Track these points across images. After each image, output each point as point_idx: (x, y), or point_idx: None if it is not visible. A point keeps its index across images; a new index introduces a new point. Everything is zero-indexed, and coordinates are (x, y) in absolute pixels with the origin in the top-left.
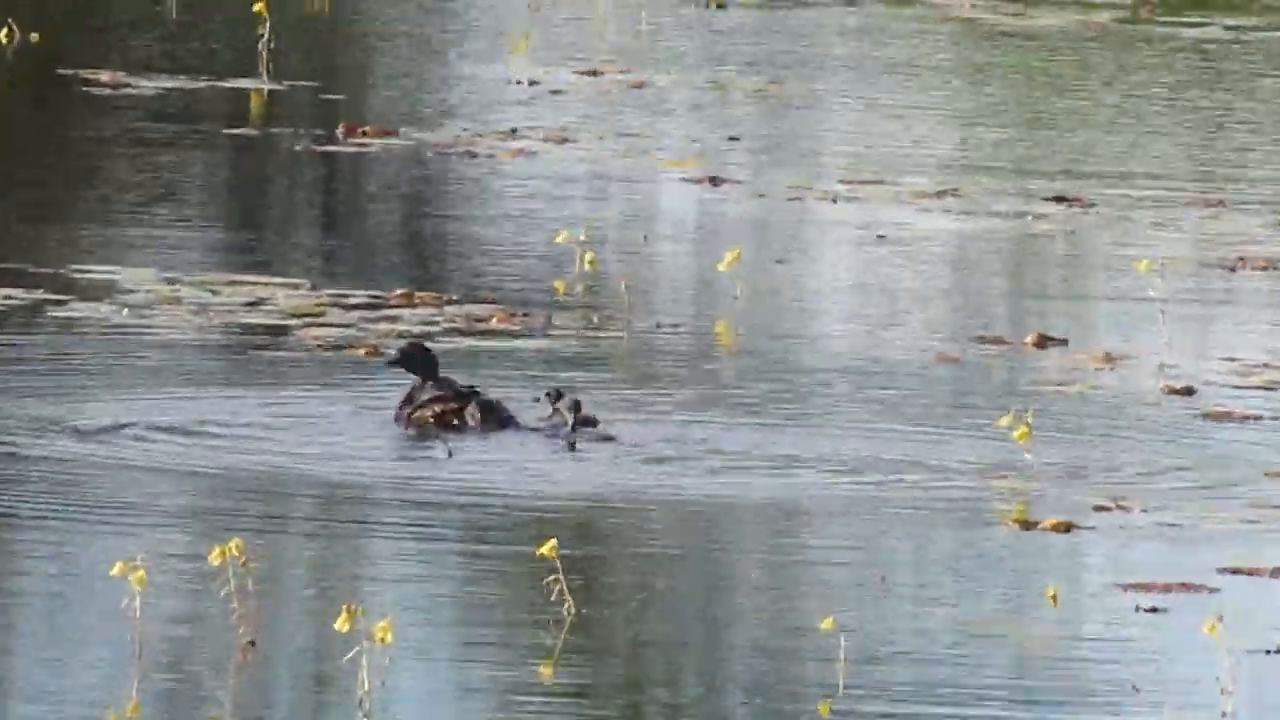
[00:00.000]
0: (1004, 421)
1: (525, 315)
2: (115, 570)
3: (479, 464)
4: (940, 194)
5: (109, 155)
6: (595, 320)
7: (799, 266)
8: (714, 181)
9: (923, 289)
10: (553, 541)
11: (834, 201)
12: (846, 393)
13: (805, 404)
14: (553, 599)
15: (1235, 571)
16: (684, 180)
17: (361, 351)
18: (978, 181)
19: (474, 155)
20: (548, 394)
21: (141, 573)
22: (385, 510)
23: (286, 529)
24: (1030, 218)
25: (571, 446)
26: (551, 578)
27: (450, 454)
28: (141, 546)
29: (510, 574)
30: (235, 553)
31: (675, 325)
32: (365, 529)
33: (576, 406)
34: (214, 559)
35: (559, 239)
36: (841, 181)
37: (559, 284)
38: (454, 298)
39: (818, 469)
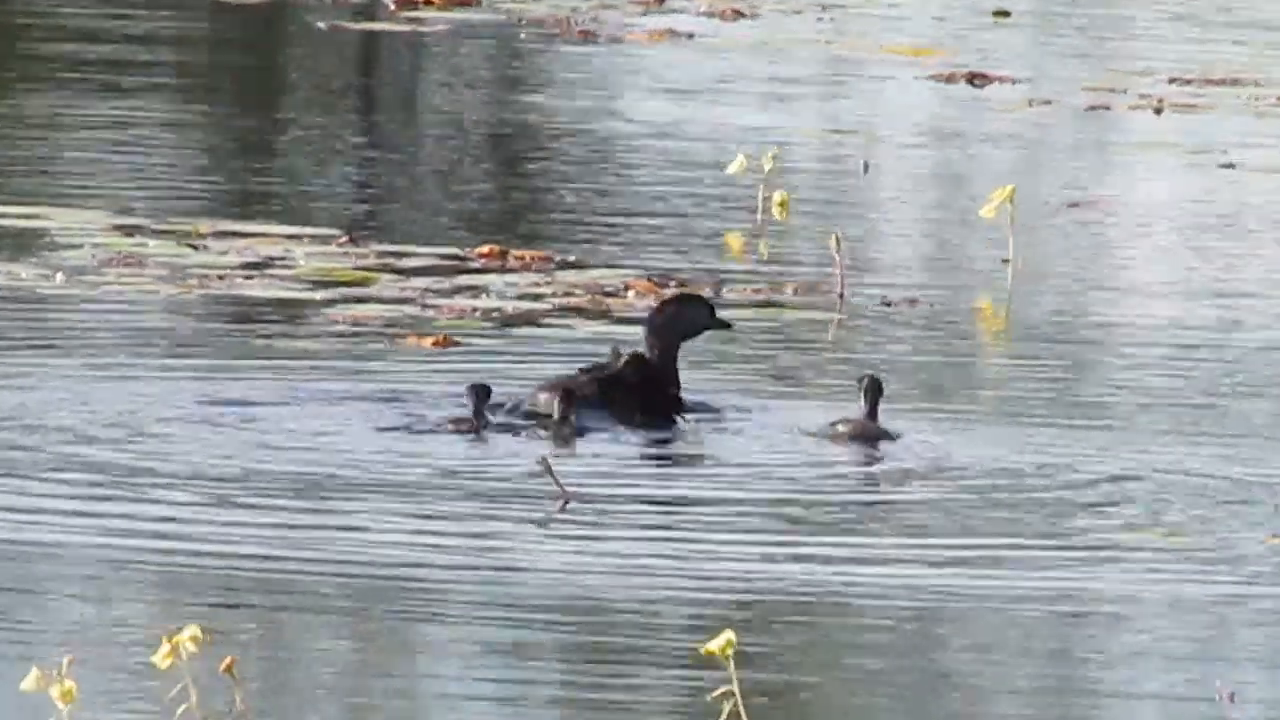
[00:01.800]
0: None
1: (680, 285)
2: (29, 683)
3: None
4: None
5: (39, 28)
6: (792, 292)
7: (1102, 209)
8: (973, 80)
9: None
10: (728, 636)
11: (1158, 111)
12: (1186, 404)
13: (1121, 418)
14: None
15: None
16: (925, 78)
17: (428, 342)
18: None
19: (594, 37)
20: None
21: (69, 686)
22: (444, 595)
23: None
24: None
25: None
26: (720, 692)
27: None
28: (68, 636)
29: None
30: (191, 647)
31: (913, 301)
32: (409, 612)
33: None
34: (162, 660)
35: (731, 169)
36: (1171, 80)
37: (731, 238)
38: (568, 258)
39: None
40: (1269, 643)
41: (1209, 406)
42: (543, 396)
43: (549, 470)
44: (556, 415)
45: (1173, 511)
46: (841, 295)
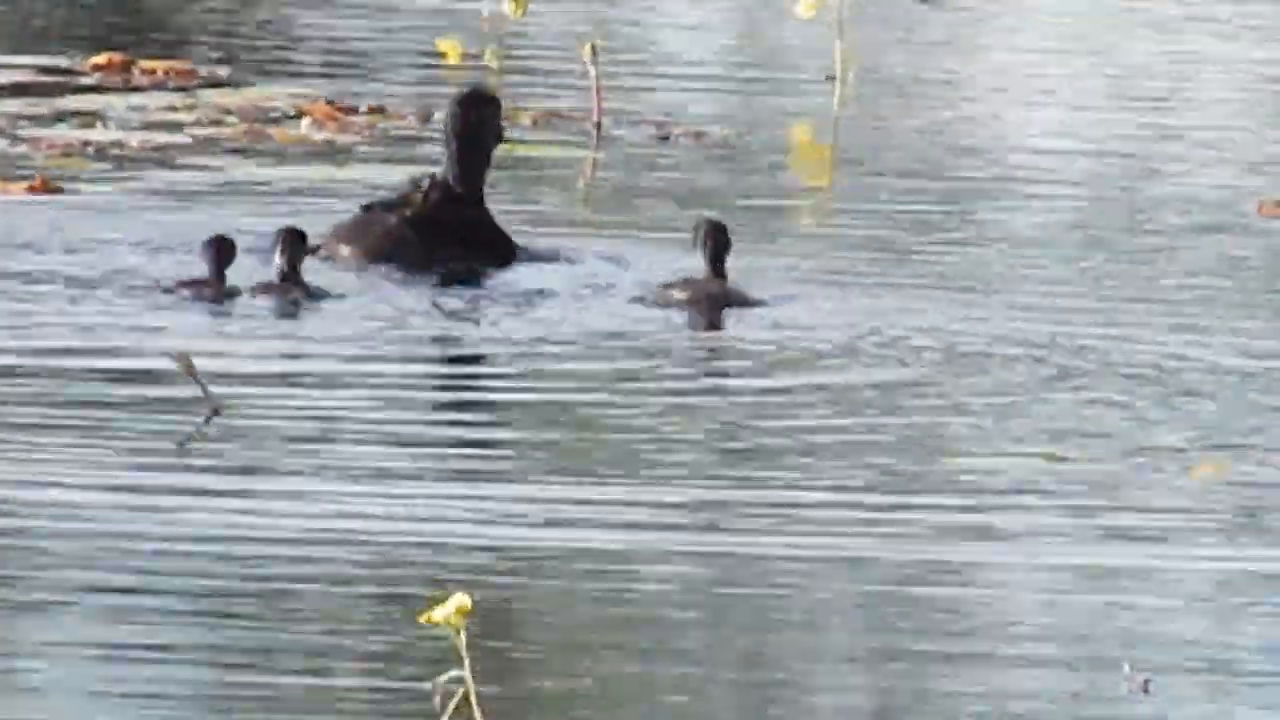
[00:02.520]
0: None
1: (375, 110)
2: None
3: None
4: None
5: None
6: (530, 123)
7: (966, 2)
8: None
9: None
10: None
11: None
12: (1060, 263)
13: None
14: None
15: None
16: None
17: (18, 189)
18: None
19: None
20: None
21: None
22: None
23: None
24: None
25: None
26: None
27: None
28: None
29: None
30: None
31: (697, 134)
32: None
33: None
34: None
35: None
36: None
37: (446, 44)
38: (218, 73)
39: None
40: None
41: (1086, 269)
42: (344, 248)
43: (189, 369)
44: (276, 272)
45: (1045, 419)
46: (598, 125)
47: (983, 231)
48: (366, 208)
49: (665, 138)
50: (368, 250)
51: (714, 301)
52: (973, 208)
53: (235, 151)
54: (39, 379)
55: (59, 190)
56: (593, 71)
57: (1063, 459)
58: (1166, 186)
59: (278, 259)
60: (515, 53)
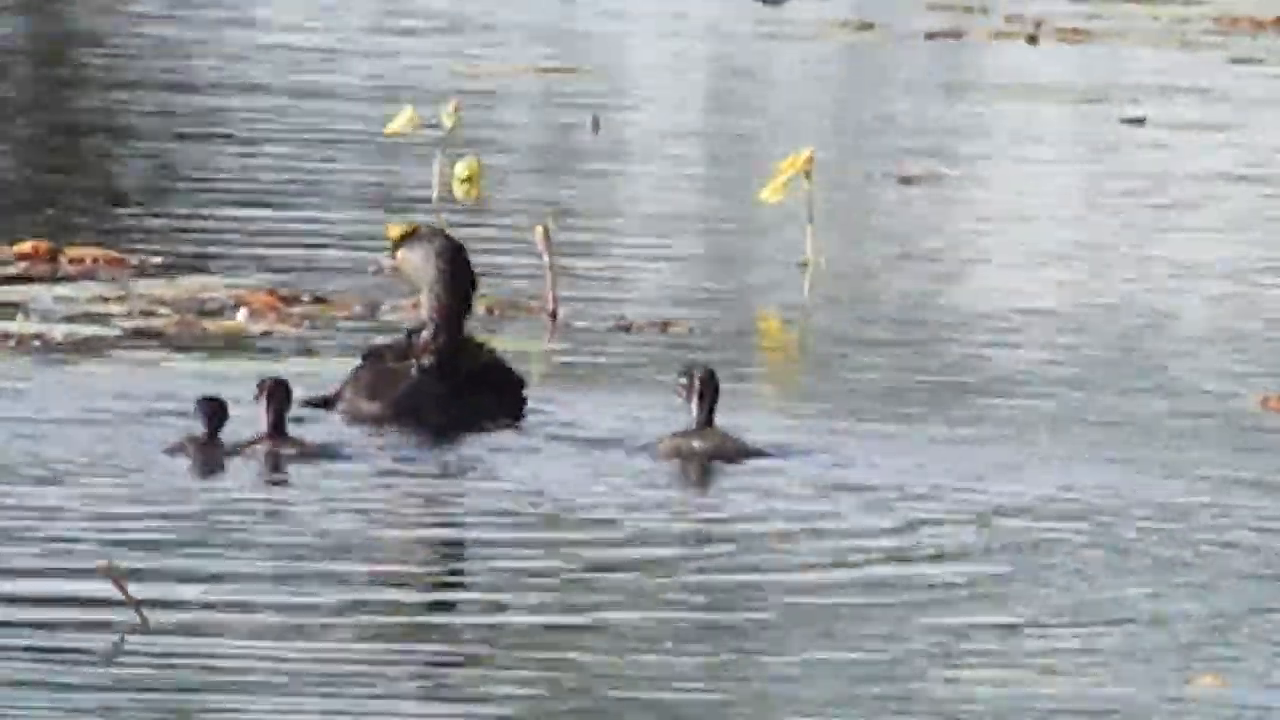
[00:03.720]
0: None
1: (318, 299)
2: None
3: None
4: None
5: None
6: (484, 311)
7: (946, 186)
8: None
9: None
10: None
11: (1033, 40)
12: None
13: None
14: None
15: None
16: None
17: None
18: None
19: None
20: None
21: None
22: None
23: None
24: None
25: None
26: None
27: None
28: None
29: None
30: None
31: (664, 325)
32: None
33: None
34: None
35: (394, 125)
36: None
37: (394, 229)
38: (152, 261)
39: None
40: None
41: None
42: (364, 405)
43: (116, 581)
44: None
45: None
46: (554, 315)
47: (967, 405)
48: (367, 356)
49: (627, 328)
50: (394, 404)
51: (730, 452)
52: (961, 383)
53: (166, 345)
54: None
55: None
56: (546, 257)
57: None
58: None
59: (263, 411)
60: (466, 237)
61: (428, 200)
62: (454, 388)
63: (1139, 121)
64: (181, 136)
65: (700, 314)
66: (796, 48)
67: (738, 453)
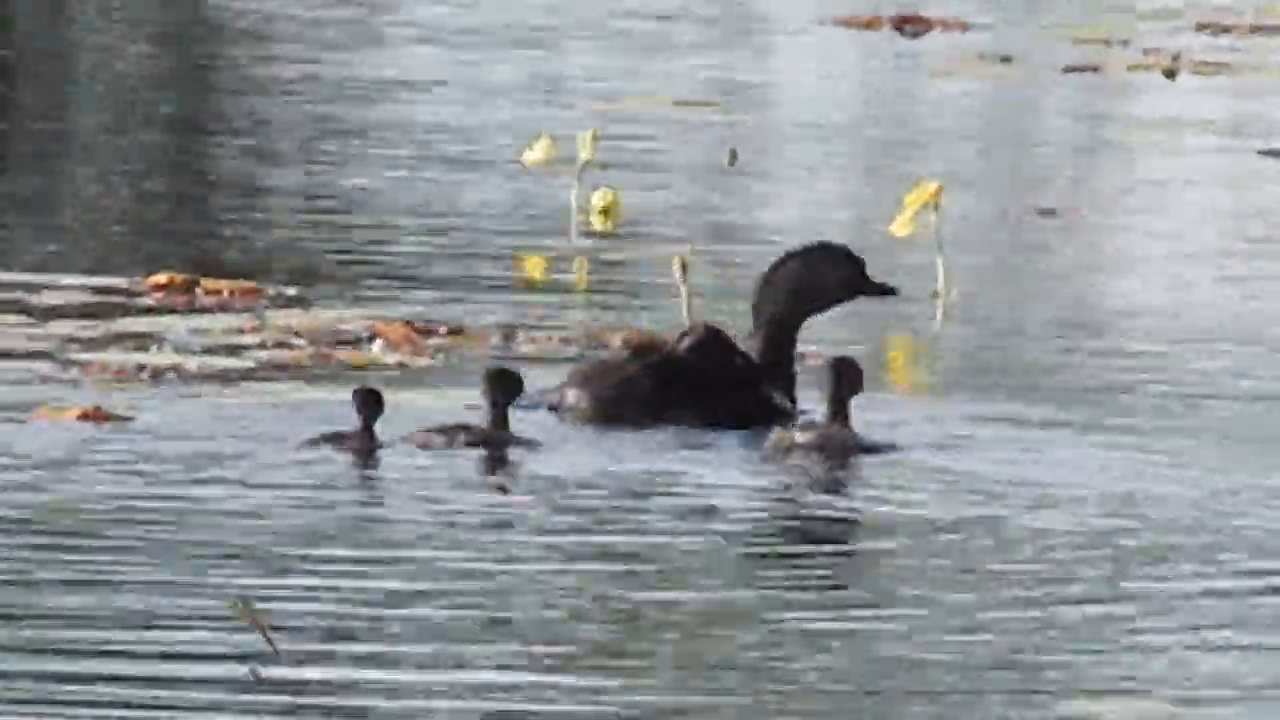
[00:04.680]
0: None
1: (453, 331)
2: None
3: None
4: None
5: None
6: (621, 344)
7: (1086, 219)
8: (903, 26)
9: None
10: None
11: (1171, 74)
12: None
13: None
14: None
15: None
16: (833, 22)
17: (70, 415)
18: None
19: None
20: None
21: None
22: None
23: None
24: None
25: None
26: None
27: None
28: None
29: None
30: None
31: (799, 355)
32: None
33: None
34: None
35: (530, 156)
36: (1199, 26)
37: (530, 261)
38: (287, 292)
39: None
40: None
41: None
42: (572, 392)
43: (249, 614)
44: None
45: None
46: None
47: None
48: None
49: None
50: (598, 399)
51: (836, 448)
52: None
53: (299, 375)
54: None
55: (111, 418)
56: (683, 289)
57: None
58: None
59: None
60: (606, 267)
61: (565, 230)
62: (662, 391)
63: (1277, 154)
64: (321, 167)
65: (835, 343)
66: (935, 81)
67: (843, 447)
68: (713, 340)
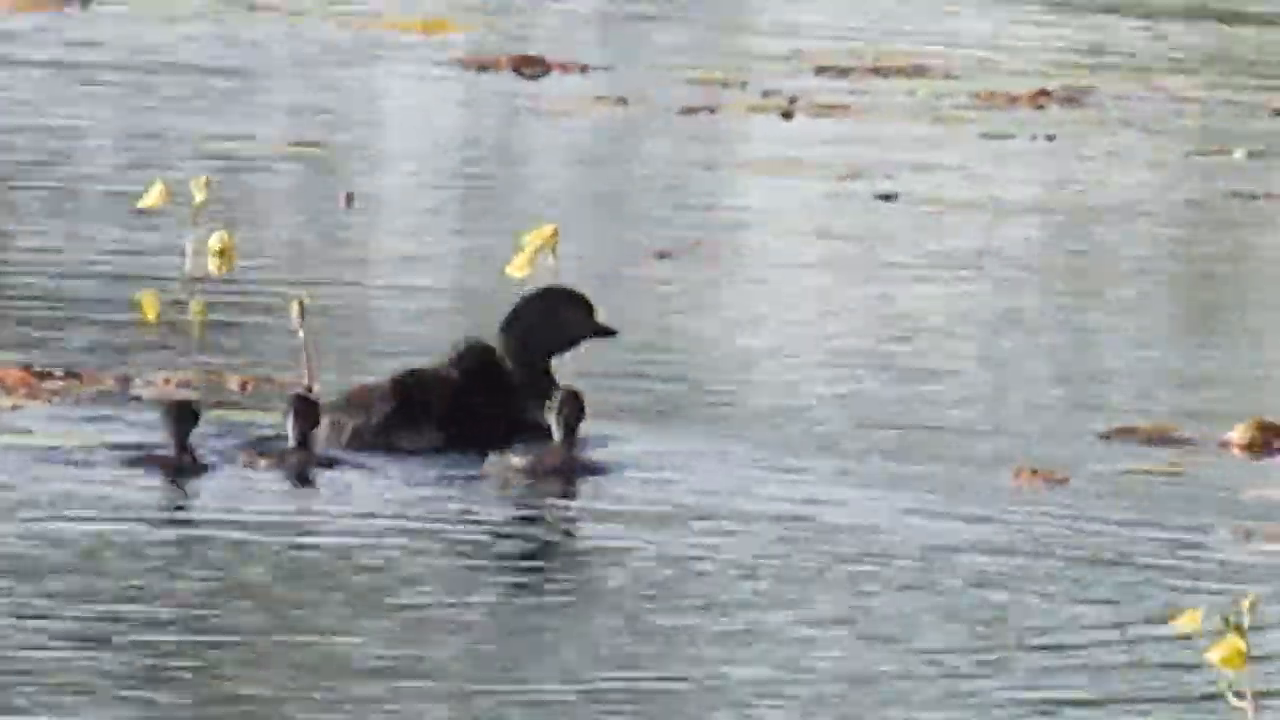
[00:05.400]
0: (1186, 621)
1: (68, 376)
2: None
3: None
4: (1038, 96)
5: None
6: (238, 388)
7: (703, 260)
8: (522, 68)
9: (978, 320)
10: None
11: (788, 115)
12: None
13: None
14: None
15: None
16: (448, 63)
17: None
18: (1130, 73)
19: None
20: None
21: None
22: None
23: None
24: (1241, 152)
25: None
26: None
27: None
28: None
29: None
30: None
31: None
32: None
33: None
34: None
35: (146, 201)
36: (819, 69)
37: (147, 301)
38: None
39: None
40: None
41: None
42: (346, 421)
43: None
44: (290, 439)
45: None
46: (309, 389)
47: None
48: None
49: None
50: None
51: (557, 470)
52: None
53: None
54: None
55: None
56: (300, 333)
57: None
58: None
59: (290, 428)
60: (219, 311)
61: (179, 273)
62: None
63: (891, 197)
64: None
65: None
66: (552, 122)
67: (569, 469)
68: (483, 354)
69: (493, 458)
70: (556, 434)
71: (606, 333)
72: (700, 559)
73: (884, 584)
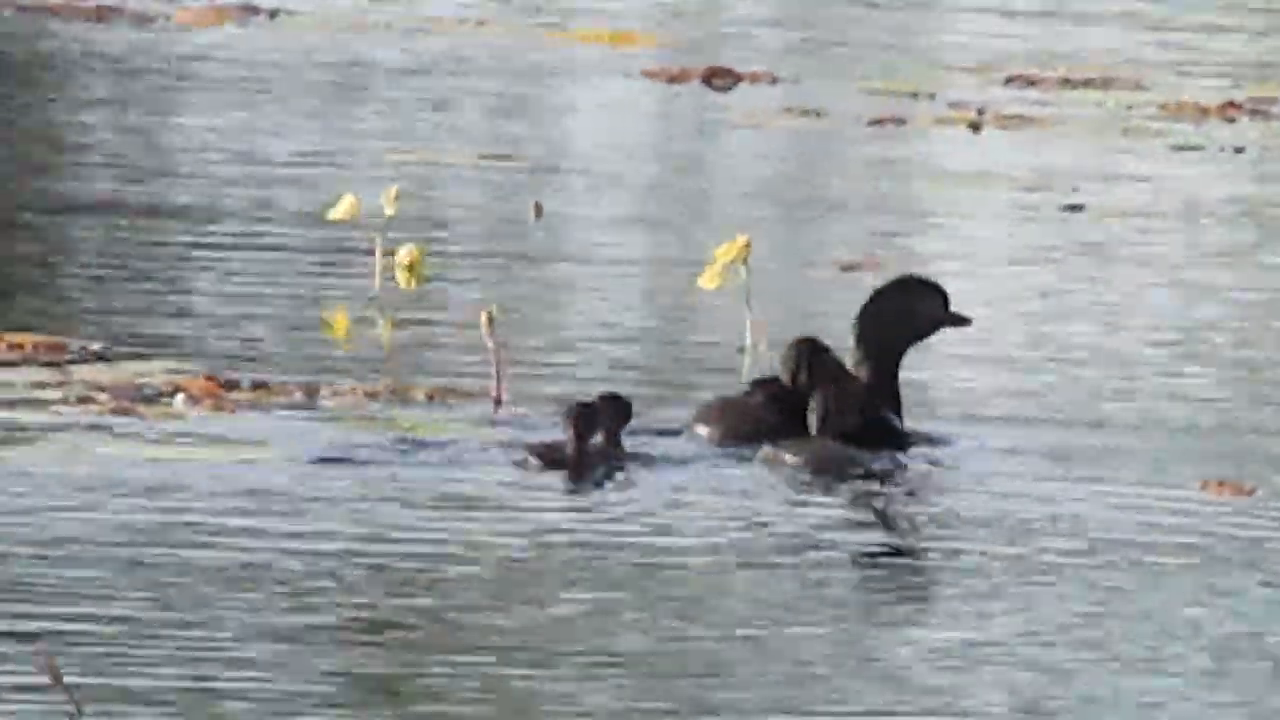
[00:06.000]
0: None
1: (260, 386)
2: None
3: None
4: (1226, 109)
5: None
6: (425, 398)
7: (890, 271)
8: (712, 80)
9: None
10: None
11: (975, 127)
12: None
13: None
14: None
15: None
16: (640, 75)
17: None
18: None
19: (112, 15)
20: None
21: None
22: None
23: None
24: None
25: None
26: None
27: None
28: None
29: None
30: None
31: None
32: None
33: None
34: None
35: (336, 213)
36: (1007, 80)
37: (335, 316)
38: (91, 346)
39: None
40: None
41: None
42: (702, 429)
43: (54, 673)
44: (570, 448)
45: None
46: (499, 401)
47: None
48: (759, 382)
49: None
50: (726, 431)
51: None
52: None
53: (106, 431)
54: None
55: None
56: (490, 344)
57: None
58: None
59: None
60: (410, 325)
61: (369, 285)
62: (790, 422)
63: (1078, 208)
64: (121, 218)
65: (642, 395)
66: (741, 134)
67: (841, 464)
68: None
69: (766, 448)
70: (814, 428)
71: (961, 321)
72: None
73: None
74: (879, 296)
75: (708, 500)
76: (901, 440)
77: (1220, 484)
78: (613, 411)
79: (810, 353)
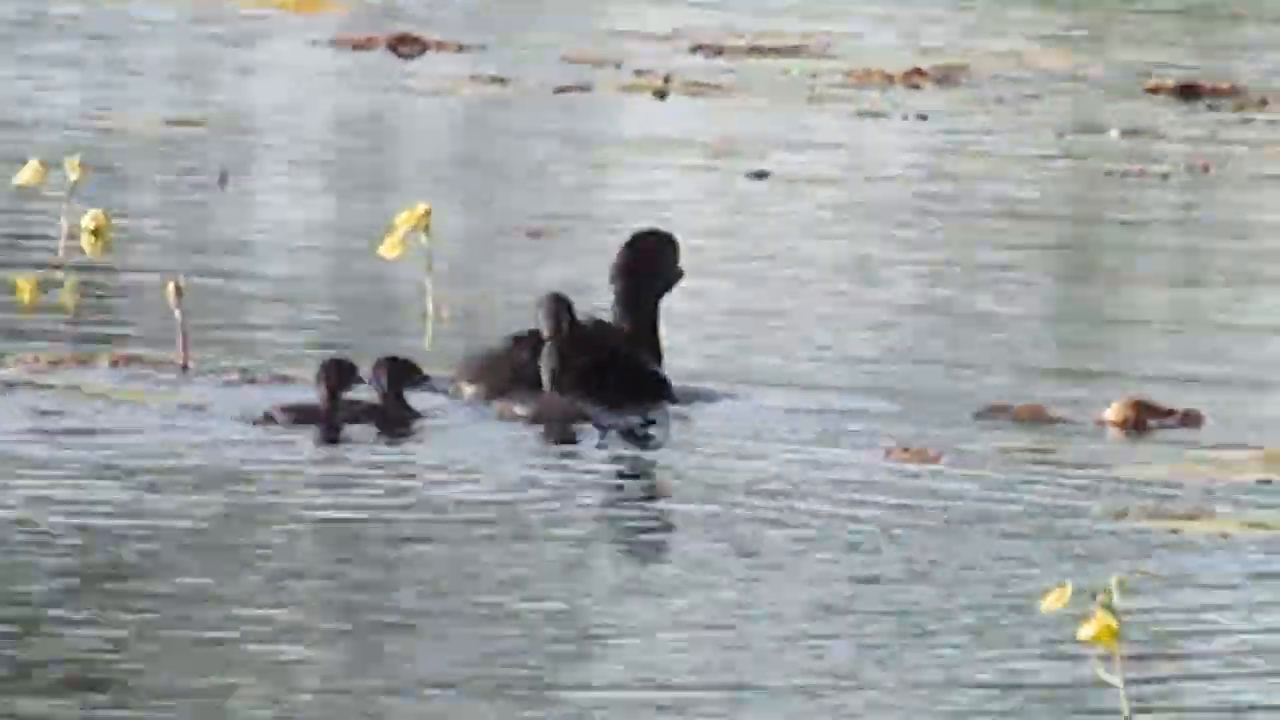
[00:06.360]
0: (1054, 599)
1: None
2: None
3: None
4: (912, 76)
5: None
6: (109, 364)
7: (573, 237)
8: (398, 47)
9: (852, 302)
10: None
11: (661, 95)
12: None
13: None
14: None
15: None
16: (325, 43)
17: None
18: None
19: None
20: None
21: None
22: None
23: None
24: (1115, 132)
25: None
26: None
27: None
28: None
29: None
30: None
31: (285, 378)
32: None
33: None
34: None
35: (21, 179)
36: (695, 48)
37: (21, 282)
38: None
39: None
40: None
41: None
42: (467, 387)
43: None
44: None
45: None
46: (185, 367)
47: None
48: (518, 338)
49: (253, 380)
50: (490, 388)
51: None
52: None
53: None
54: None
55: None
56: (177, 313)
57: None
58: None
59: (320, 389)
60: (95, 291)
61: (54, 252)
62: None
63: (764, 175)
64: None
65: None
66: (426, 102)
67: (566, 418)
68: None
69: (498, 403)
70: (547, 383)
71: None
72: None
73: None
74: (632, 249)
75: (451, 457)
76: (667, 390)
77: (905, 450)
78: (392, 372)
79: (568, 305)
